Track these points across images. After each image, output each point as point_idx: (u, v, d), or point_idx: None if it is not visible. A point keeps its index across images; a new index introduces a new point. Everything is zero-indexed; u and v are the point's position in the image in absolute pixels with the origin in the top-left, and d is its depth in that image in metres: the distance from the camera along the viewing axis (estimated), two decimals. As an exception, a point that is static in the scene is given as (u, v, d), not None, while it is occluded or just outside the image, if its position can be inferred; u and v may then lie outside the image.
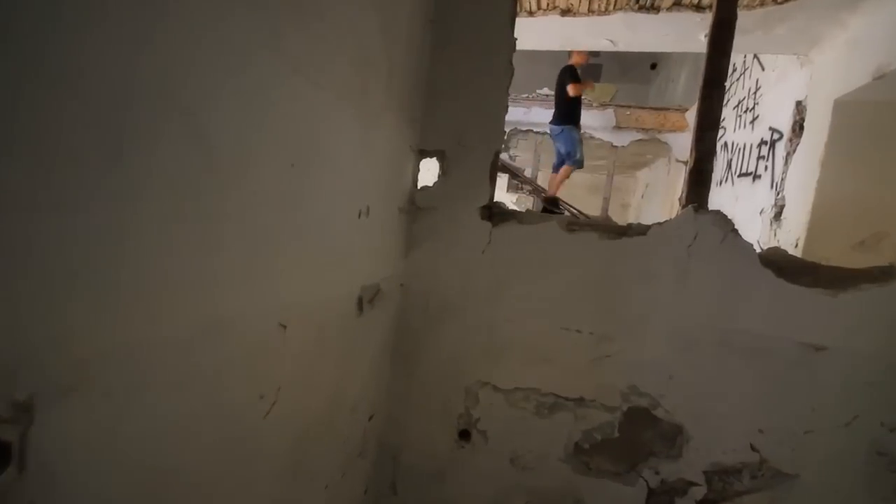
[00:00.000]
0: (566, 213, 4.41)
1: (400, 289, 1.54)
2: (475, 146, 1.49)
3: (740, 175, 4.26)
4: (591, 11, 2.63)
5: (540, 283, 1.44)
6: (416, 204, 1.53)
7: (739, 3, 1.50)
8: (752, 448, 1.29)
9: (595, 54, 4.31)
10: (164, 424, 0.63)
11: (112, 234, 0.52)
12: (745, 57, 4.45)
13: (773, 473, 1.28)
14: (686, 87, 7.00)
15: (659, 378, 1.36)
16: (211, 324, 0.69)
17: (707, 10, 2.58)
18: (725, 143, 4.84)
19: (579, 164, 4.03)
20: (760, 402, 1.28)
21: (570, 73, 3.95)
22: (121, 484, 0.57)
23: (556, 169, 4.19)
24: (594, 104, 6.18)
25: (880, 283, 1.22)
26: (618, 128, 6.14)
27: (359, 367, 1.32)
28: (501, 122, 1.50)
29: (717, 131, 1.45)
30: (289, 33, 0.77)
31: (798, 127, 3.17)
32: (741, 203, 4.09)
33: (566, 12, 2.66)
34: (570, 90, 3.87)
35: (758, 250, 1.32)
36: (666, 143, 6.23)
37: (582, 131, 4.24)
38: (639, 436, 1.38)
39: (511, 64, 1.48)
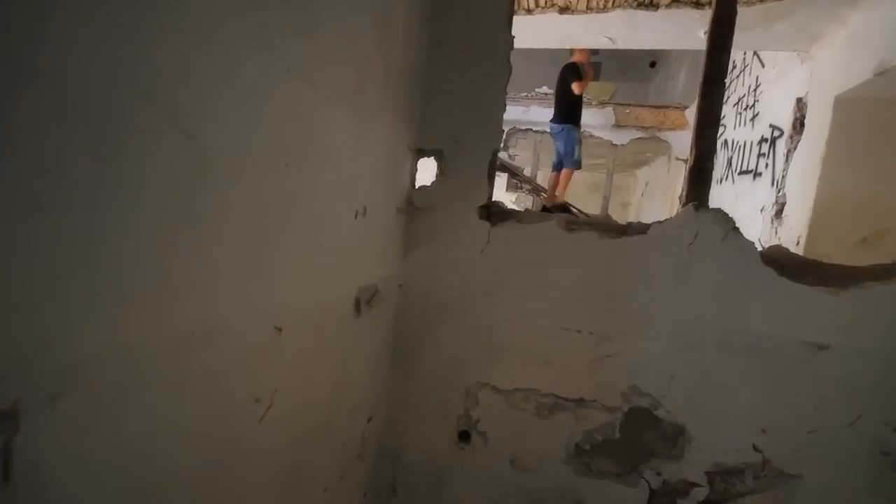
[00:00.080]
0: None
1: (398, 289, 1.53)
2: (473, 145, 1.48)
3: (741, 173, 4.24)
4: (589, 9, 2.62)
5: (539, 282, 1.43)
6: (414, 204, 1.52)
7: (739, -1, 1.49)
8: (755, 448, 1.28)
9: (594, 52, 4.26)
10: (158, 428, 0.61)
11: (100, 235, 0.50)
12: (744, 54, 4.43)
13: (775, 474, 1.27)
14: (686, 84, 6.98)
15: (660, 378, 1.35)
16: (205, 326, 0.68)
17: (706, 7, 2.56)
18: (725, 141, 4.82)
19: (577, 165, 4.00)
20: (763, 402, 1.27)
21: (573, 71, 3.90)
22: (114, 490, 0.56)
23: (555, 168, 4.16)
24: (593, 102, 6.17)
25: (883, 280, 1.21)
26: (617, 126, 6.12)
27: (357, 368, 1.30)
28: (499, 120, 1.49)
29: (718, 129, 1.44)
30: (282, 31, 0.76)
31: (799, 124, 3.16)
32: (742, 201, 4.07)
33: (564, 10, 2.65)
34: (576, 88, 3.82)
35: (759, 248, 1.31)
36: (666, 142, 6.21)
37: (582, 130, 4.21)
38: (640, 436, 1.37)
39: (509, 62, 1.47)
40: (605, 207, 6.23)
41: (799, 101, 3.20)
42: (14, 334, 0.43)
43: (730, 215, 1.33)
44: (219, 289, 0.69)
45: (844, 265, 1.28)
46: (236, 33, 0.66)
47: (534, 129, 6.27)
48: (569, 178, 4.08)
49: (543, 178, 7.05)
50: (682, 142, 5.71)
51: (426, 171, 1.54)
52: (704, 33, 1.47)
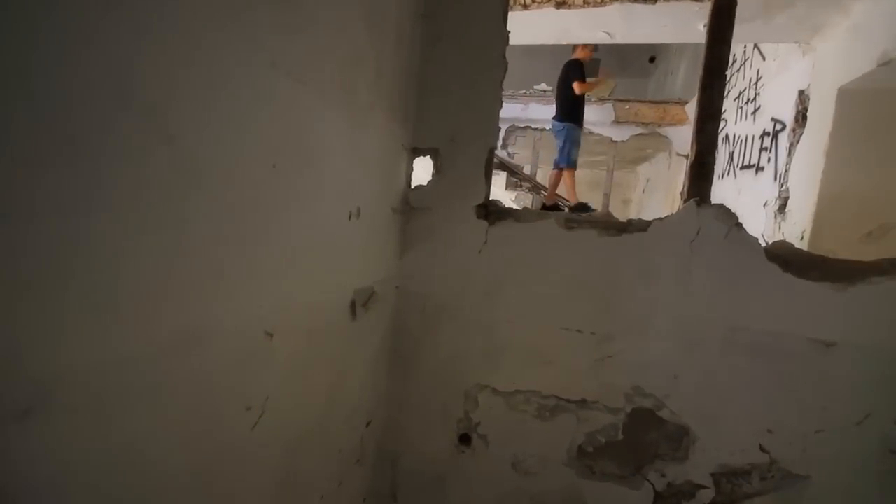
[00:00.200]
0: (566, 209, 4.35)
1: (396, 291, 1.50)
2: (469, 143, 1.45)
3: (742, 167, 4.20)
4: (586, 3, 2.59)
5: (539, 282, 1.41)
6: (411, 204, 1.49)
7: (739, -11, 1.45)
8: (762, 449, 1.25)
9: (593, 49, 4.18)
10: (141, 441, 0.59)
11: (72, 242, 0.48)
12: (745, 47, 4.39)
13: (783, 474, 1.24)
14: (685, 79, 6.92)
15: (663, 378, 1.32)
16: (189, 334, 0.65)
17: None
18: (727, 136, 4.77)
19: (572, 165, 3.94)
20: (769, 401, 1.24)
21: (575, 69, 3.80)
22: (92, 507, 0.54)
23: (556, 166, 4.11)
24: (593, 99, 6.12)
25: (890, 275, 1.18)
26: (617, 122, 6.08)
27: (354, 372, 1.28)
28: (496, 117, 1.46)
29: (719, 122, 1.41)
30: (266, 27, 0.74)
31: (801, 117, 3.12)
32: (744, 196, 4.03)
33: (561, 4, 2.62)
34: (576, 88, 3.74)
35: (763, 244, 1.28)
36: (666, 137, 6.17)
37: (584, 130, 4.13)
38: (643, 438, 1.34)
39: (504, 58, 1.44)
40: (605, 205, 6.19)
41: (801, 93, 3.16)
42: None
43: (732, 211, 1.30)
44: (203, 295, 0.67)
45: (850, 260, 1.25)
46: (216, 29, 0.64)
47: (533, 126, 6.24)
48: (572, 179, 4.01)
49: (543, 176, 7.01)
50: (683, 137, 5.66)
51: (425, 170, 1.51)
52: (704, 26, 1.43)
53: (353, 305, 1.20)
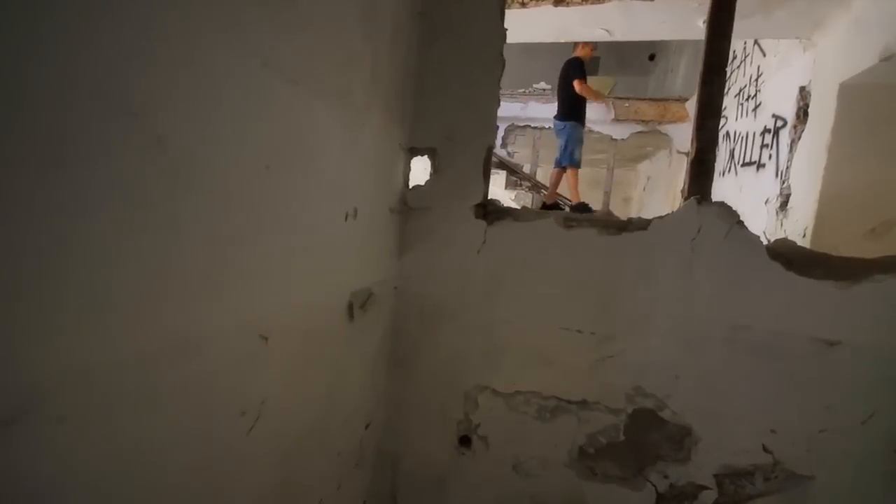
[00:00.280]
0: (566, 208, 4.33)
1: (394, 292, 1.49)
2: (467, 142, 1.44)
3: (743, 165, 4.18)
4: (584, 0, 2.57)
5: (538, 282, 1.39)
6: (408, 204, 1.48)
7: (739, -16, 1.43)
8: (765, 449, 1.24)
9: (594, 47, 4.13)
10: (130, 449, 0.58)
11: (55, 246, 0.47)
12: (745, 43, 4.36)
13: (787, 475, 1.23)
14: (686, 76, 6.89)
15: (664, 378, 1.31)
16: (180, 339, 0.64)
17: (705, -5, 2.50)
18: (727, 133, 4.75)
19: (576, 164, 3.90)
20: (772, 401, 1.23)
21: (575, 67, 3.74)
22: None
23: (557, 165, 4.08)
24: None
25: (894, 273, 1.16)
26: (616, 120, 6.05)
27: (352, 374, 1.27)
28: (493, 116, 1.45)
29: (719, 119, 1.39)
30: (256, 25, 0.73)
31: (802, 113, 3.09)
32: (745, 193, 4.00)
33: (559, 2, 2.60)
34: (577, 86, 3.70)
35: (764, 242, 1.27)
36: (666, 135, 6.13)
37: (586, 129, 4.08)
38: (645, 438, 1.33)
39: (502, 56, 1.43)
40: (606, 203, 6.17)
41: (802, 89, 3.14)
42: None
43: (733, 208, 1.28)
44: (196, 298, 0.66)
45: (853, 257, 1.23)
46: (205, 28, 0.63)
47: (532, 125, 6.21)
48: (575, 178, 3.97)
49: (543, 175, 6.99)
50: (683, 135, 5.64)
51: (424, 170, 1.50)
52: (704, 22, 1.42)
53: (350, 307, 1.19)
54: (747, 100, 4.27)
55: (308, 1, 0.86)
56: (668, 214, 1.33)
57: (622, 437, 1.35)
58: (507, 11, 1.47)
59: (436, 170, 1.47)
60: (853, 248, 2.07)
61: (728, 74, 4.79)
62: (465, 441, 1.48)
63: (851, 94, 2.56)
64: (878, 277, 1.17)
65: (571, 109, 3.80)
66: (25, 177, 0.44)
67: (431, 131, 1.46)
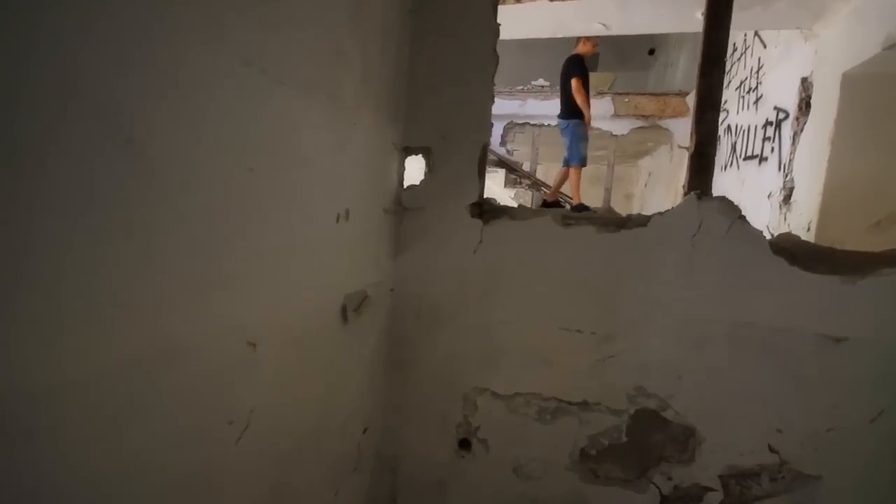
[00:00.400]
0: (566, 206, 4.29)
1: (390, 294, 1.47)
2: (462, 140, 1.41)
3: (745, 158, 4.13)
4: (580, -6, 2.53)
5: (536, 281, 1.37)
6: (403, 204, 1.46)
7: (737, -26, 1.40)
8: (771, 449, 1.21)
9: (595, 43, 4.03)
10: (106, 463, 0.56)
11: (19, 253, 0.45)
12: (745, 35, 4.31)
13: (793, 475, 1.20)
14: (685, 70, 6.83)
15: (667, 378, 1.28)
16: (160, 347, 0.62)
17: (703, -13, 2.46)
18: (728, 126, 4.70)
19: (581, 162, 3.83)
20: (777, 400, 1.20)
21: (574, 65, 3.66)
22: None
23: (567, 163, 4.01)
24: (593, 93, 6.04)
25: (902, 266, 1.13)
26: (616, 116, 6.00)
27: (348, 378, 1.25)
28: (488, 113, 1.42)
29: (719, 112, 1.36)
30: (237, 23, 0.70)
31: (804, 105, 3.05)
32: (748, 187, 3.96)
33: (555, -3, 2.57)
34: (573, 85, 3.62)
35: (768, 236, 1.23)
36: (667, 130, 6.08)
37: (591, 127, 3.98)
38: (648, 439, 1.30)
39: (495, 52, 1.40)
40: (607, 200, 6.12)
41: (804, 80, 3.09)
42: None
43: (735, 203, 1.25)
44: (175, 305, 0.64)
45: (859, 251, 1.20)
46: (179, 24, 0.60)
47: (531, 122, 6.17)
48: (578, 178, 3.91)
49: (543, 173, 6.95)
50: (684, 129, 5.58)
51: (419, 169, 1.48)
52: (702, 14, 1.38)
53: (343, 310, 1.17)
54: (748, 92, 4.22)
55: (291, -2, 0.83)
56: (667, 210, 1.30)
57: (624, 439, 1.32)
58: (501, 7, 1.44)
59: (430, 169, 1.44)
60: (858, 241, 2.03)
61: (728, 67, 4.75)
62: (464, 444, 1.46)
63: (854, 84, 2.52)
64: (884, 271, 1.13)
65: (574, 107, 3.73)
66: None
67: (425, 130, 1.44)
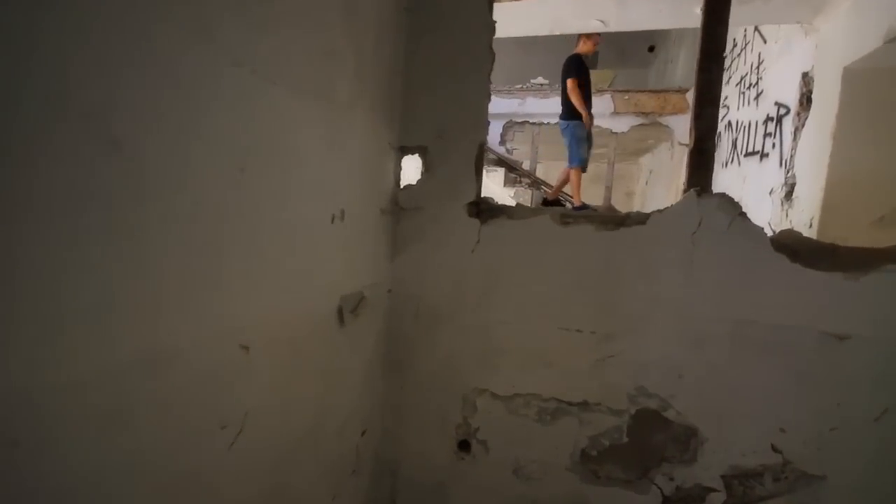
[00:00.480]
0: (567, 205, 4.27)
1: (388, 295, 1.46)
2: (458, 139, 1.40)
3: (747, 155, 4.10)
4: (578, -9, 2.51)
5: (535, 281, 1.35)
6: (400, 204, 1.44)
7: (736, -32, 1.38)
8: (774, 449, 1.19)
9: (596, 42, 3.96)
10: (93, 470, 0.55)
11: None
12: (745, 31, 4.28)
13: (797, 475, 1.18)
14: (685, 67, 6.79)
15: (668, 377, 1.26)
16: (148, 352, 0.61)
17: (702, -18, 2.43)
18: (729, 123, 4.67)
19: (582, 165, 3.79)
20: (780, 399, 1.18)
21: (571, 65, 3.60)
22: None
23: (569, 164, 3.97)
24: (593, 91, 6.01)
25: (906, 262, 1.11)
26: (616, 113, 5.97)
27: (345, 380, 1.24)
28: (484, 111, 1.41)
29: (718, 107, 1.34)
30: (226, 22, 0.69)
31: (806, 100, 3.02)
32: (749, 184, 3.93)
33: (552, -6, 2.55)
34: (568, 86, 3.58)
35: (769, 233, 1.22)
36: (667, 127, 6.05)
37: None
38: (649, 440, 1.29)
39: (491, 49, 1.39)
40: (607, 198, 6.10)
41: (805, 75, 3.07)
42: None
43: (735, 200, 1.24)
44: (164, 308, 0.63)
45: (862, 247, 1.18)
46: (165, 23, 0.59)
47: (531, 121, 6.15)
48: (578, 179, 3.87)
49: (542, 171, 6.93)
50: (685, 126, 5.56)
51: (417, 169, 1.47)
52: (701, 9, 1.37)
53: (340, 312, 1.16)
54: (749, 88, 4.19)
55: (282, -4, 0.82)
56: (667, 208, 1.29)
57: (625, 439, 1.31)
58: (497, 5, 1.43)
59: (427, 168, 1.43)
60: (862, 237, 2.01)
61: (729, 63, 4.72)
62: (464, 445, 1.44)
63: (856, 79, 2.49)
64: (888, 267, 1.12)
65: (573, 108, 3.69)
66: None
67: (421, 129, 1.42)
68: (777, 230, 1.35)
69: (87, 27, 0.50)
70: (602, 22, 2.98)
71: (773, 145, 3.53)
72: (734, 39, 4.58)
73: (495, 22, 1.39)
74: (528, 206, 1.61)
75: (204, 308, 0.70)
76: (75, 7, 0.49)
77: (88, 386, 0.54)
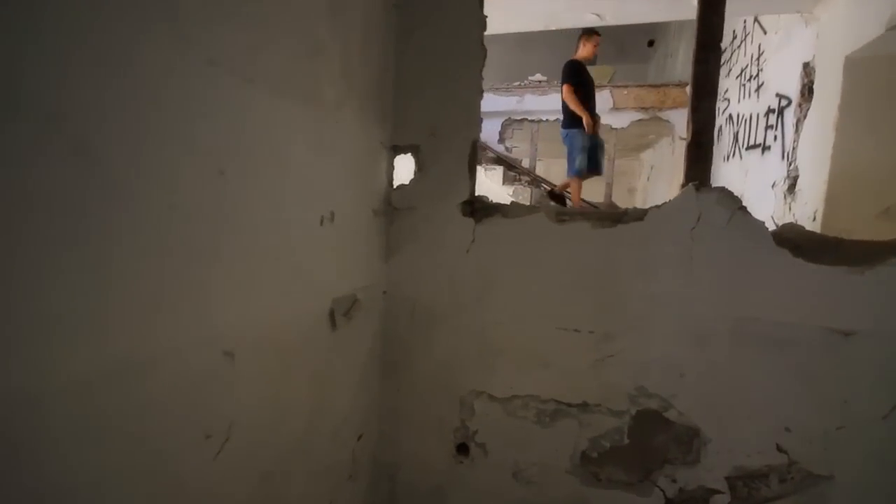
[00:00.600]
0: (569, 203, 4.24)
1: (383, 297, 1.43)
2: (451, 137, 1.38)
3: (748, 148, 4.05)
4: (573, -16, 2.48)
5: (531, 280, 1.33)
6: (393, 204, 1.42)
7: (732, -44, 1.34)
8: (779, 449, 1.16)
9: (596, 45, 3.88)
10: (65, 484, 0.53)
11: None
12: (744, 22, 4.23)
13: (803, 476, 1.15)
14: (685, 60, 6.73)
15: (669, 377, 1.23)
16: (124, 360, 0.59)
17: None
18: (730, 116, 4.62)
19: (578, 174, 3.74)
20: (785, 398, 1.15)
21: (566, 72, 3.55)
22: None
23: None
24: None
25: (913, 255, 1.08)
26: (616, 109, 5.92)
27: (340, 385, 1.22)
28: (477, 108, 1.38)
29: (716, 99, 1.31)
30: (194, 18, 0.67)
31: (807, 90, 2.97)
32: (751, 177, 3.88)
33: (546, -13, 2.51)
34: (563, 92, 3.47)
35: (772, 227, 1.18)
36: (668, 122, 5.99)
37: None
38: (651, 441, 1.26)
39: (483, 45, 1.36)
40: (608, 194, 6.05)
41: (806, 66, 3.02)
42: None
43: (735, 193, 1.20)
44: (140, 315, 0.61)
45: (867, 241, 1.15)
46: (135, 21, 0.57)
47: (529, 118, 6.11)
48: (577, 188, 3.82)
49: (542, 169, 6.88)
50: (685, 121, 5.50)
51: (410, 169, 1.44)
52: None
53: (332, 315, 1.13)
54: (749, 80, 4.14)
55: (259, -8, 0.80)
56: (665, 203, 1.26)
57: (626, 441, 1.28)
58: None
59: (420, 167, 1.41)
60: (867, 229, 1.96)
61: (728, 55, 4.67)
62: (462, 449, 1.42)
63: (858, 68, 2.45)
64: (894, 261, 1.08)
65: (572, 115, 3.64)
66: None
67: (413, 128, 1.40)
68: (780, 224, 1.32)
69: (49, 26, 0.48)
70: (598, 16, 2.94)
71: (775, 138, 3.48)
72: (734, 31, 4.53)
73: (486, 17, 1.36)
74: (522, 204, 1.58)
75: (184, 314, 0.68)
76: (38, 5, 0.47)
77: (63, 395, 0.52)
